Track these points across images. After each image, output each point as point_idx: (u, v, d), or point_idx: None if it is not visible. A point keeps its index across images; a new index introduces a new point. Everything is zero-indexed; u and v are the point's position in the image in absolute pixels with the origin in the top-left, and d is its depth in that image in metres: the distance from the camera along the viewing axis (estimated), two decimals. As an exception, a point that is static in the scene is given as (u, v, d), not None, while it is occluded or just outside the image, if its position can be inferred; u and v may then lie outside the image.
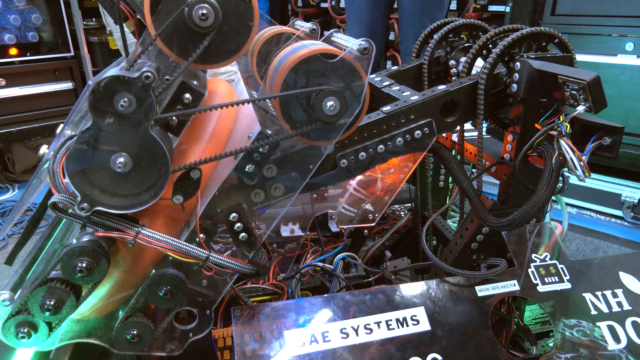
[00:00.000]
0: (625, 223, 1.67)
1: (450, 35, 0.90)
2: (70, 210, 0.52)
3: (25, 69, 1.81)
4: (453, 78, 0.90)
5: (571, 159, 0.61)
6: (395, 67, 0.93)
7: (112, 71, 0.47)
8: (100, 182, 0.50)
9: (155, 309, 0.63)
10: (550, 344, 0.90)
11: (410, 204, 1.26)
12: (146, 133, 0.49)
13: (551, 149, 0.65)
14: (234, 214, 0.61)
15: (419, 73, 0.92)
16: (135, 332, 0.61)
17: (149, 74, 0.46)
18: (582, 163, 0.61)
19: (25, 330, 0.57)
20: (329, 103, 0.56)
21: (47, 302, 0.55)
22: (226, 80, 0.79)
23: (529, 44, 0.72)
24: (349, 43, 0.62)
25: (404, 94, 0.77)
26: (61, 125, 0.60)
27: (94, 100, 0.46)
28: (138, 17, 0.67)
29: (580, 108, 0.59)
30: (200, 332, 0.66)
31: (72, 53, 1.89)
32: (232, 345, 0.78)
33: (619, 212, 1.68)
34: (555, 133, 0.64)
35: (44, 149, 0.56)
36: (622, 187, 1.66)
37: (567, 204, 1.81)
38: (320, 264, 1.06)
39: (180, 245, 0.55)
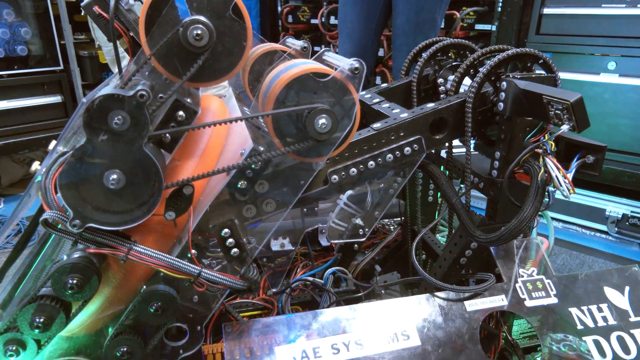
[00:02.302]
0: (610, 238, 1.70)
1: (439, 54, 0.92)
2: (61, 227, 0.52)
3: (13, 82, 1.80)
4: (441, 96, 0.92)
5: (556, 176, 0.63)
6: (384, 85, 0.95)
7: (106, 89, 0.48)
8: (92, 199, 0.50)
9: (146, 325, 0.63)
10: (538, 358, 0.91)
11: (399, 218, 1.27)
12: (140, 150, 0.49)
13: (537, 166, 0.67)
14: (226, 230, 0.61)
15: (408, 90, 0.94)
16: (125, 349, 0.61)
17: (144, 93, 0.46)
18: (566, 181, 0.62)
19: (14, 348, 0.56)
20: (321, 121, 0.57)
21: (37, 320, 0.54)
22: (217, 96, 0.80)
23: (514, 64, 0.75)
24: (340, 62, 0.63)
25: (394, 111, 0.78)
26: (54, 142, 0.60)
27: (88, 117, 0.47)
28: (131, 34, 0.68)
29: (565, 127, 0.61)
30: (191, 348, 0.66)
31: (62, 67, 1.89)
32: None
33: (603, 227, 1.71)
34: (540, 151, 0.65)
35: (35, 165, 0.57)
36: (606, 202, 1.70)
37: (553, 219, 1.84)
38: (311, 279, 1.06)
39: (172, 262, 0.55)
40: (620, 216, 1.67)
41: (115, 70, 1.16)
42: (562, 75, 1.52)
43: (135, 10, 0.74)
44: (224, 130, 0.68)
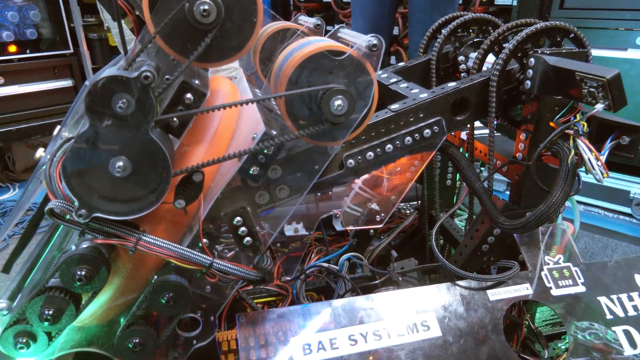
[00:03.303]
0: (634, 220, 1.65)
1: (459, 30, 0.87)
2: (67, 217, 0.50)
3: (24, 67, 1.78)
4: (462, 74, 0.87)
5: (589, 159, 0.59)
6: (402, 63, 0.91)
7: (109, 71, 0.45)
8: (98, 187, 0.48)
9: (158, 315, 0.61)
10: (562, 346, 0.88)
11: (416, 202, 1.23)
12: (146, 135, 0.47)
13: (567, 149, 0.62)
14: (238, 218, 0.59)
15: (426, 69, 0.89)
16: (137, 340, 0.59)
17: (149, 74, 0.44)
18: (600, 164, 0.58)
19: (24, 340, 0.55)
20: (337, 102, 0.53)
21: (46, 312, 0.53)
22: (228, 78, 0.76)
23: (540, 40, 0.70)
24: (356, 39, 0.59)
25: (413, 91, 0.74)
26: (58, 127, 0.58)
27: (91, 101, 0.44)
28: (137, 13, 0.64)
29: (599, 106, 0.57)
30: (205, 339, 0.64)
31: (72, 50, 1.87)
32: (237, 348, 0.76)
33: (627, 210, 1.66)
34: (571, 132, 0.61)
35: (40, 152, 0.54)
36: (631, 184, 1.63)
37: (578, 202, 1.79)
38: (326, 265, 1.04)
39: (183, 252, 0.53)
40: (645, 198, 1.61)
41: (123, 52, 1.15)
42: None
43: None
44: (234, 114, 0.65)
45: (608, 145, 0.60)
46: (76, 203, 0.48)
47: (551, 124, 0.66)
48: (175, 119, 0.52)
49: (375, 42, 0.54)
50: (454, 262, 0.80)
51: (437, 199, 1.04)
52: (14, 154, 2.07)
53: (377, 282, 0.89)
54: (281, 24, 0.82)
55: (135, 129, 0.46)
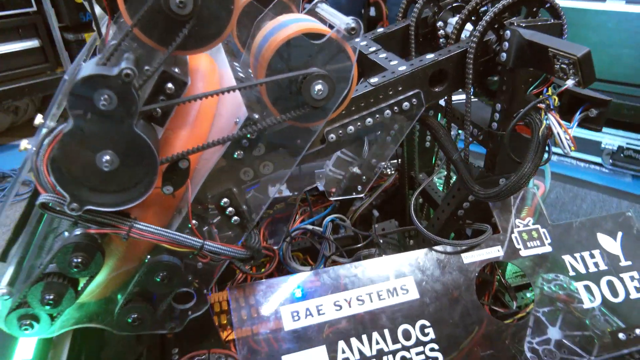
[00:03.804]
0: (604, 169, 1.72)
1: (438, -6, 0.87)
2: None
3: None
4: (441, 40, 0.88)
5: (558, 133, 0.62)
6: (381, 30, 0.90)
7: (89, 68, 0.45)
8: (88, 181, 0.49)
9: (153, 292, 0.65)
10: (529, 296, 0.95)
11: (396, 161, 1.26)
12: (130, 129, 0.48)
13: (539, 120, 0.65)
14: (225, 199, 0.61)
15: (405, 35, 0.89)
16: (135, 315, 0.63)
17: (129, 72, 0.44)
18: (568, 137, 0.61)
19: (28, 322, 0.58)
20: (317, 87, 0.54)
21: (47, 297, 0.55)
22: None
23: (516, 9, 0.70)
24: (335, 19, 0.59)
25: (392, 63, 0.75)
26: (39, 116, 0.58)
27: (73, 100, 0.44)
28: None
29: (570, 82, 0.59)
30: (199, 309, 0.68)
31: (35, 8, 1.77)
32: (228, 308, 0.81)
33: (598, 159, 1.72)
34: (543, 106, 0.64)
35: (24, 144, 0.55)
36: (602, 135, 1.69)
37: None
38: (310, 227, 1.07)
39: (174, 237, 0.56)
40: (615, 148, 1.67)
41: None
42: (566, 3, 1.46)
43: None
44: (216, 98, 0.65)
45: (577, 117, 0.63)
46: (67, 197, 0.49)
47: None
48: (157, 109, 0.53)
49: (353, 25, 0.54)
50: (432, 225, 0.84)
51: (416, 161, 1.08)
52: (-15, 117, 2.01)
53: (359, 245, 0.93)
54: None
55: (120, 124, 0.47)
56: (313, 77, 0.54)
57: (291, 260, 1.02)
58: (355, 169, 1.06)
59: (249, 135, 0.58)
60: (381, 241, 0.94)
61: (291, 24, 0.56)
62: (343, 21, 0.55)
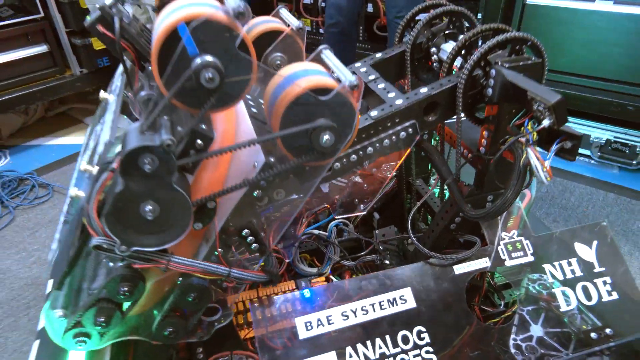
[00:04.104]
0: (592, 162, 1.81)
1: (432, 21, 0.93)
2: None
3: (-4, 37, 1.76)
4: (434, 64, 0.95)
5: (535, 165, 0.70)
6: (379, 55, 0.98)
7: (134, 138, 0.53)
8: (134, 228, 0.58)
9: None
10: (516, 293, 1.06)
11: (395, 162, 1.35)
12: (169, 184, 0.56)
13: (520, 150, 0.74)
14: (246, 230, 0.70)
15: (402, 60, 0.97)
16: (171, 329, 0.73)
17: (169, 142, 0.52)
18: (545, 170, 0.70)
19: (82, 339, 0.68)
20: (325, 137, 0.63)
21: (99, 320, 0.65)
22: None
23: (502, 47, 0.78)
24: (339, 70, 0.67)
25: (389, 95, 0.83)
26: (84, 162, 0.66)
27: (123, 167, 0.53)
28: (136, 47, 0.70)
29: (545, 122, 0.67)
30: (225, 320, 0.78)
31: (42, 14, 1.82)
32: (244, 309, 0.91)
33: (587, 152, 1.81)
34: (523, 140, 0.72)
35: (75, 191, 0.63)
36: (592, 129, 1.77)
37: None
38: (316, 232, 1.17)
39: (205, 267, 0.65)
40: (603, 141, 1.76)
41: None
42: (557, 3, 1.54)
43: (138, 16, 0.75)
44: (232, 135, 0.74)
45: (553, 149, 0.72)
46: (117, 241, 0.58)
47: (508, 129, 0.76)
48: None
49: (356, 83, 0.62)
50: (428, 237, 0.94)
51: (413, 168, 1.16)
52: (-1, 121, 2.08)
53: (363, 253, 1.03)
54: (265, 26, 0.87)
55: (160, 181, 0.56)
56: (321, 128, 0.62)
57: (299, 263, 1.12)
58: (358, 179, 1.15)
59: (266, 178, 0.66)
60: (381, 248, 1.04)
61: (301, 78, 0.64)
62: (347, 78, 0.63)
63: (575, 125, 1.81)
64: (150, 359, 0.87)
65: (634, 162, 1.72)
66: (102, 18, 0.67)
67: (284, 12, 0.92)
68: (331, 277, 1.10)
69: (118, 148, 0.58)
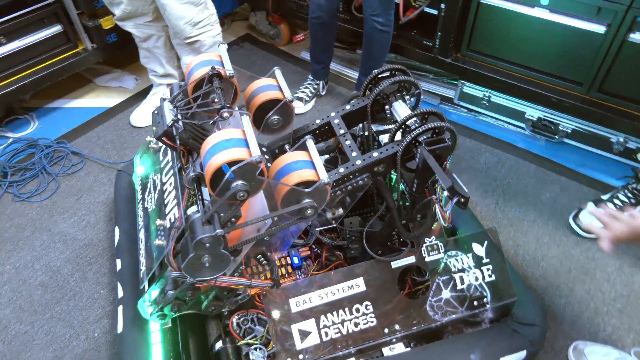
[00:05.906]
0: (526, 133, 2.22)
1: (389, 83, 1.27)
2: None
3: (17, 25, 1.98)
4: (387, 114, 1.31)
5: (439, 215, 1.13)
6: (348, 107, 1.32)
7: (199, 229, 0.94)
8: (197, 269, 1.01)
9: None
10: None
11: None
12: (218, 249, 0.98)
13: (435, 200, 1.16)
14: (259, 255, 1.14)
15: (364, 112, 1.32)
16: (213, 308, 1.20)
17: (222, 233, 0.93)
18: (444, 217, 1.13)
19: (160, 317, 1.15)
20: (308, 212, 1.03)
21: (174, 309, 1.12)
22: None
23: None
24: (319, 163, 1.05)
25: (353, 154, 1.21)
26: (158, 220, 1.06)
27: (195, 245, 0.94)
28: (186, 147, 1.06)
29: (445, 193, 1.08)
30: (244, 299, 1.25)
31: (54, -1, 2.02)
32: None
33: (522, 125, 2.22)
34: (435, 198, 1.14)
35: (158, 242, 1.04)
36: (526, 107, 2.16)
37: (489, 116, 2.31)
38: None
39: (238, 281, 1.10)
40: (535, 118, 2.15)
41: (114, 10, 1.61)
42: (505, 5, 1.97)
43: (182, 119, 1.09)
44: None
45: (452, 203, 1.13)
46: (188, 276, 1.02)
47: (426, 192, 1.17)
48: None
49: (327, 181, 1.01)
50: (378, 237, 1.38)
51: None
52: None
53: (338, 242, 1.48)
54: (267, 95, 1.21)
55: (214, 248, 0.98)
56: (306, 207, 1.03)
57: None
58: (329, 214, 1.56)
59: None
60: (348, 235, 1.49)
61: (295, 172, 1.02)
62: (324, 176, 1.01)
63: (514, 104, 2.18)
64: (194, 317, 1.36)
65: (556, 136, 2.14)
66: (165, 133, 1.02)
67: (279, 74, 1.26)
68: (312, 246, 1.56)
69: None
